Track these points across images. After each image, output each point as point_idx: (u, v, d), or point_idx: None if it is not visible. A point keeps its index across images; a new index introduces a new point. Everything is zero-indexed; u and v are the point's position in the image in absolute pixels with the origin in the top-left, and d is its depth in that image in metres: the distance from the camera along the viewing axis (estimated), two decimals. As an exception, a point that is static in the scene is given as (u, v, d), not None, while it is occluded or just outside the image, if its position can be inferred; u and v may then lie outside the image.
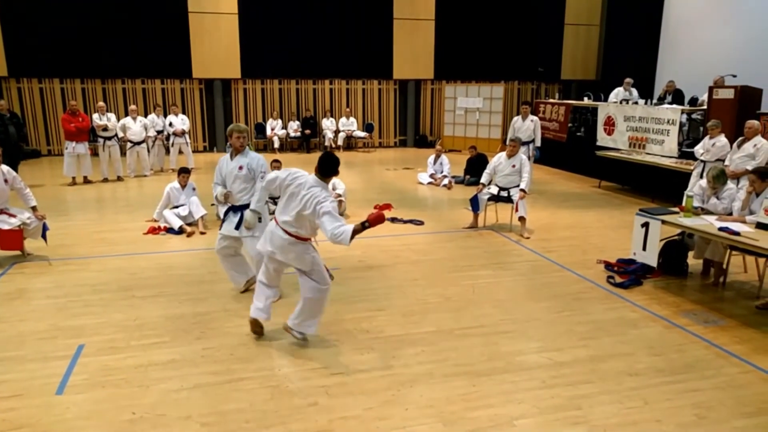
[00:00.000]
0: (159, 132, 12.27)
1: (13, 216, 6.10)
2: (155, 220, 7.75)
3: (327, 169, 4.04)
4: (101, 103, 11.68)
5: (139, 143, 11.59)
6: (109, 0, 14.11)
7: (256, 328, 4.38)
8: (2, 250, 6.20)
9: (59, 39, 13.97)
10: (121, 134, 11.38)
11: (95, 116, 11.14)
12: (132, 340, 4.35)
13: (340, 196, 8.02)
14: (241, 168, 5.05)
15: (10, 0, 13.54)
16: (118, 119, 11.71)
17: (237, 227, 5.06)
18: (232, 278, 5.36)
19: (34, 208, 6.26)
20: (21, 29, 13.74)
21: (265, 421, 3.34)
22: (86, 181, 10.92)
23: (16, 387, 3.68)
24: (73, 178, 10.75)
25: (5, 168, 6.15)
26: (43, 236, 6.33)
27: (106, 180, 11.13)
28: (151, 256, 6.43)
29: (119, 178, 11.27)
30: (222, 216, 5.34)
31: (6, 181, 6.09)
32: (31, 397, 3.56)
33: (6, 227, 5.95)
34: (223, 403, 3.53)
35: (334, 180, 6.54)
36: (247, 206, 4.95)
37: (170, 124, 12.30)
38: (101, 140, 11.13)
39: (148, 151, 11.92)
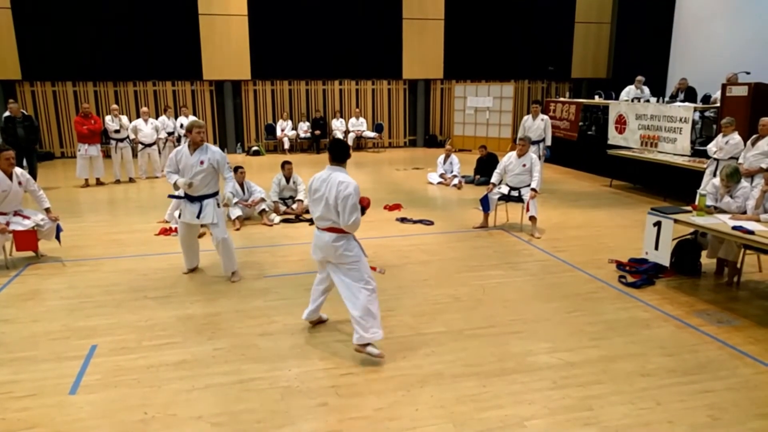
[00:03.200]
0: (170, 134, 12.37)
1: (27, 218, 6.17)
2: (166, 222, 7.80)
3: (339, 153, 4.09)
4: (115, 106, 11.80)
5: (150, 145, 11.68)
6: (120, 3, 14.25)
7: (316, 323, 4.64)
8: (17, 252, 6.29)
9: (71, 42, 14.12)
10: (132, 136, 11.49)
11: (108, 118, 11.25)
12: (144, 340, 4.39)
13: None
14: (202, 162, 5.39)
15: (23, 4, 13.71)
16: (130, 121, 11.82)
17: (197, 216, 5.52)
18: (185, 261, 5.91)
19: (47, 210, 6.33)
20: (34, 33, 13.89)
21: (275, 422, 3.35)
22: (99, 182, 11.02)
23: (30, 387, 3.72)
24: (86, 179, 10.86)
25: (19, 170, 6.23)
26: (57, 237, 6.40)
27: (118, 182, 11.23)
28: (163, 257, 6.47)
29: (131, 180, 11.36)
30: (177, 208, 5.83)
31: (20, 183, 6.16)
32: (45, 397, 3.60)
33: (20, 228, 6.02)
34: (234, 403, 3.54)
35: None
36: (205, 197, 5.46)
37: (181, 126, 12.39)
38: (113, 142, 11.25)
39: (160, 152, 12.01)
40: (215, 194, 5.60)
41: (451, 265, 6.17)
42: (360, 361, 4.05)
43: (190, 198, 5.55)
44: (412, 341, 4.35)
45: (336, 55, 15.86)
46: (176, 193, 5.80)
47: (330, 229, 4.03)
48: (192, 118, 12.62)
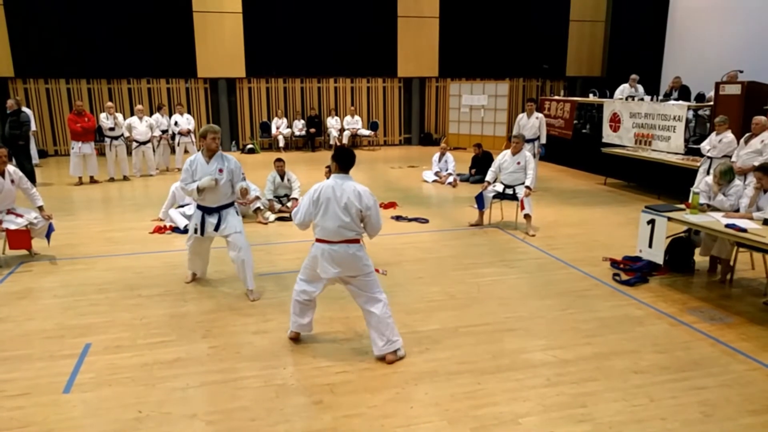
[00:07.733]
0: (164, 131, 12.32)
1: (20, 216, 6.14)
2: (161, 220, 7.78)
3: (349, 162, 4.04)
4: (110, 103, 11.75)
5: (144, 143, 11.63)
6: (114, 0, 14.17)
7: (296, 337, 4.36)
8: (10, 250, 6.25)
9: (65, 39, 14.05)
10: (126, 134, 11.44)
11: (102, 116, 11.20)
12: (138, 338, 4.38)
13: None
14: (221, 171, 5.05)
15: (16, 1, 13.62)
16: (124, 119, 11.76)
17: (216, 228, 5.15)
18: (190, 266, 5.59)
19: (40, 208, 6.30)
20: (27, 30, 13.81)
21: (269, 420, 3.35)
22: (92, 180, 10.97)
23: (24, 385, 3.70)
24: (80, 177, 10.81)
25: (11, 168, 6.19)
26: (48, 237, 6.33)
27: (112, 180, 11.17)
28: (157, 255, 6.46)
29: (125, 178, 11.32)
30: (193, 219, 5.32)
31: (12, 181, 6.12)
32: (39, 396, 3.59)
33: (14, 227, 5.99)
34: (229, 401, 3.54)
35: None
36: (224, 207, 5.15)
37: (175, 124, 12.35)
38: (108, 140, 11.18)
39: (154, 150, 11.98)
40: (233, 203, 5.30)
41: (446, 263, 6.18)
42: (355, 359, 4.05)
43: (207, 210, 5.15)
44: (406, 339, 4.34)
45: (331, 52, 15.83)
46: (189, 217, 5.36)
47: (351, 241, 3.92)
48: (187, 116, 12.64)
